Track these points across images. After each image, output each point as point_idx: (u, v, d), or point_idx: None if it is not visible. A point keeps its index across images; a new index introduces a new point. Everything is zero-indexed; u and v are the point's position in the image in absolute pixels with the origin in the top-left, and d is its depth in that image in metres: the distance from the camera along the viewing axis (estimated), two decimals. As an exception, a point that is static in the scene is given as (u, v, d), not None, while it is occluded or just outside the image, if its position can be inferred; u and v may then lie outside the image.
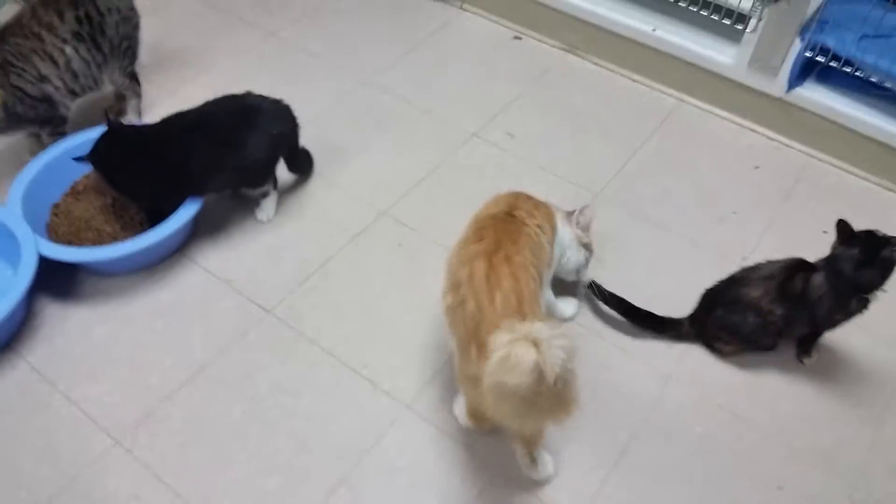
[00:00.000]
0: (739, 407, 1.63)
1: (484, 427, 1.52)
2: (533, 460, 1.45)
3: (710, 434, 1.59)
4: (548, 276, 1.57)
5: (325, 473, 1.50)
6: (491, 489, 1.49)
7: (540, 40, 2.53)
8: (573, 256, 1.68)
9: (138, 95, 2.15)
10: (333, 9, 2.63)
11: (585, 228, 1.69)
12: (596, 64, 2.45)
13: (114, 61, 2.00)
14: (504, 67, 2.44)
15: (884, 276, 1.51)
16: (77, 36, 1.88)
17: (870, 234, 1.51)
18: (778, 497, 1.50)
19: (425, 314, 1.76)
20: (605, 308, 1.76)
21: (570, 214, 1.68)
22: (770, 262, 1.65)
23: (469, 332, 1.31)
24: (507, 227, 1.44)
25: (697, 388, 1.66)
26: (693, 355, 1.72)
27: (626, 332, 1.74)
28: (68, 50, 1.87)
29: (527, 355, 1.09)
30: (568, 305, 1.76)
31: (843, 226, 1.52)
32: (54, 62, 1.86)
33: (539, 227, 1.50)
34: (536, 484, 1.49)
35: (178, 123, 1.78)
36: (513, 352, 1.09)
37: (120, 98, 2.14)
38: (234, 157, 1.76)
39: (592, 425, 1.58)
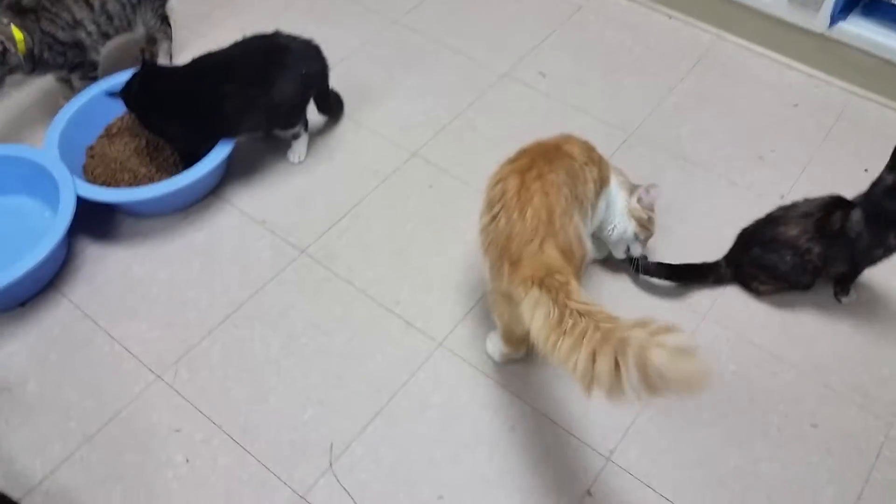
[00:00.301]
0: (775, 345, 1.62)
1: (519, 350, 1.53)
2: None
3: (745, 372, 1.58)
4: (588, 215, 1.50)
5: (360, 407, 1.53)
6: (523, 424, 1.51)
7: (572, -23, 2.47)
8: (620, 225, 1.60)
9: (169, 38, 2.15)
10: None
11: (648, 207, 1.61)
12: (630, 0, 2.38)
13: (147, 2, 2.00)
14: (536, 6, 2.39)
15: None
16: None
17: None
18: (812, 435, 1.50)
19: (457, 254, 1.76)
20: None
21: (634, 188, 1.62)
22: (807, 200, 1.61)
23: (501, 248, 1.31)
24: (547, 153, 1.41)
25: (733, 327, 1.65)
26: (729, 295, 1.70)
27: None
28: None
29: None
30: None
31: None
32: (89, 5, 1.85)
33: (583, 165, 1.46)
34: (569, 418, 1.50)
35: (208, 63, 1.78)
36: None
37: (151, 41, 2.13)
38: (263, 96, 1.76)
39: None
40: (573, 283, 1.22)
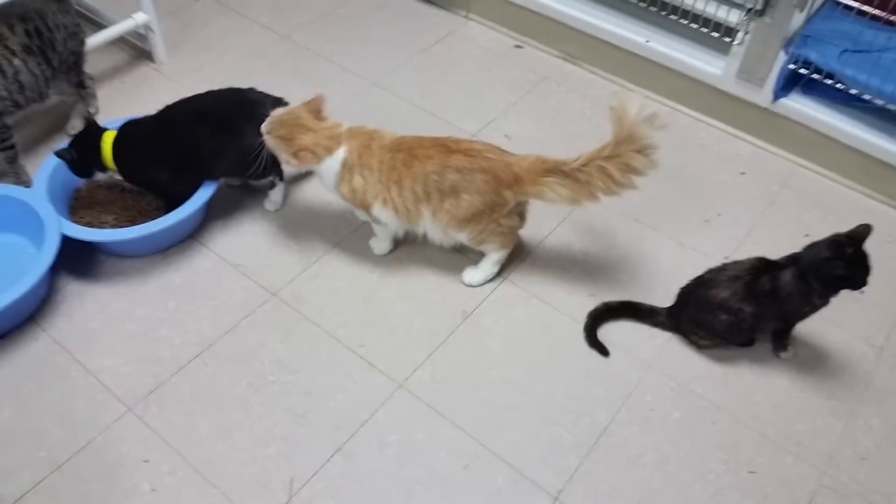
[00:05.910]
0: (715, 396, 1.72)
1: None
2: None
3: (686, 420, 1.68)
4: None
5: (321, 443, 1.60)
6: (476, 463, 1.59)
7: (540, 49, 2.64)
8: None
9: (90, 97, 2.22)
10: (343, 16, 2.75)
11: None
12: (592, 73, 2.56)
13: (61, 75, 2.07)
14: (505, 74, 2.55)
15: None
16: (26, 49, 1.91)
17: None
18: (749, 481, 1.59)
19: (419, 302, 1.87)
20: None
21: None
22: (736, 263, 1.73)
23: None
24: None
25: (676, 377, 1.75)
26: (673, 346, 1.81)
27: (612, 325, 1.84)
28: (17, 62, 1.90)
29: None
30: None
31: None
32: (2, 72, 1.88)
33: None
34: (521, 459, 1.59)
35: (182, 108, 1.89)
36: None
37: (81, 98, 2.20)
38: (235, 143, 1.84)
39: (572, 408, 1.68)
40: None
